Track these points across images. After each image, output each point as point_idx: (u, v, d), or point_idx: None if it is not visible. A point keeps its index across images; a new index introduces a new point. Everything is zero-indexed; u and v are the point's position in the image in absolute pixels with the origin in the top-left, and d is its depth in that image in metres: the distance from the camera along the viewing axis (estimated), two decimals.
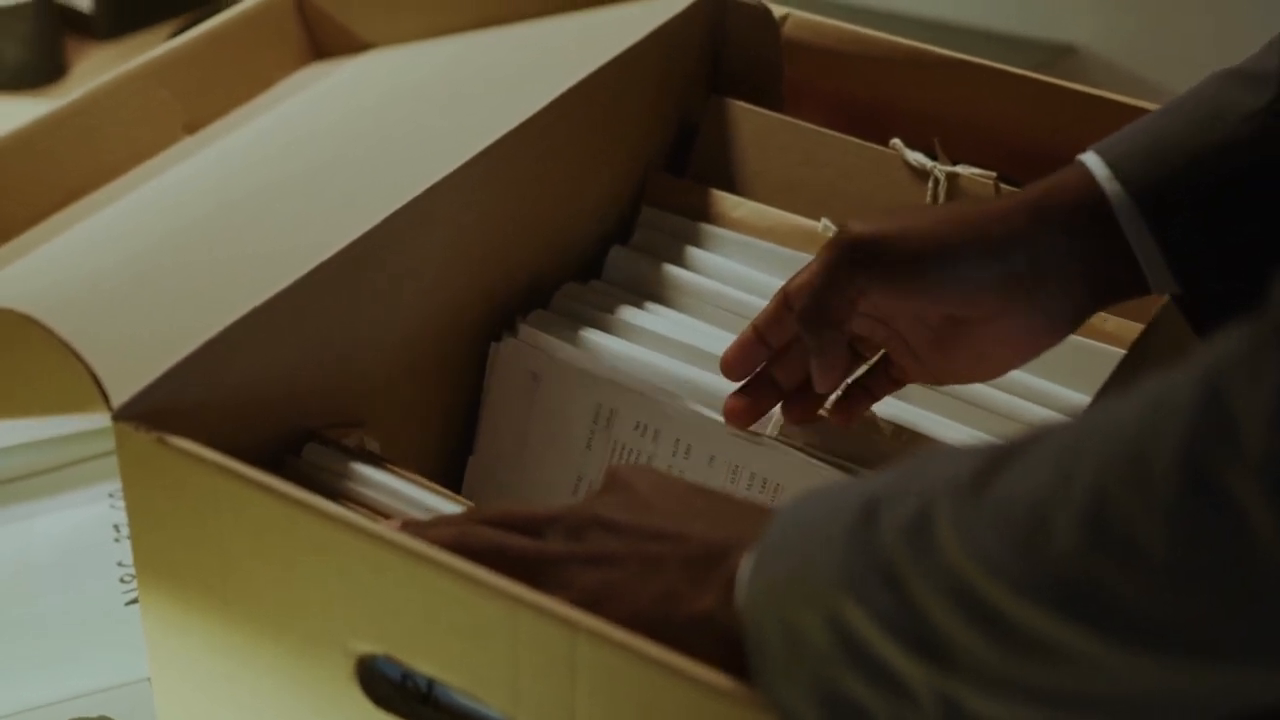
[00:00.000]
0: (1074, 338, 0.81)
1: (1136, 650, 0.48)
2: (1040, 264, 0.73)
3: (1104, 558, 0.48)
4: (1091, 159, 0.74)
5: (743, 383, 0.82)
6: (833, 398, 0.82)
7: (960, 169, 0.92)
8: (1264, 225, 0.72)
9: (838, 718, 0.55)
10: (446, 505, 0.72)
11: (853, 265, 0.75)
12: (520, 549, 0.63)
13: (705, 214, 0.95)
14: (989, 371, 0.79)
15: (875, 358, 0.82)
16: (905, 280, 0.75)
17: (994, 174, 0.90)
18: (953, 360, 0.78)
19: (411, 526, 0.67)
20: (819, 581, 0.55)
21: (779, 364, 0.81)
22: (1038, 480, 0.50)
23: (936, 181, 0.92)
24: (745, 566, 0.59)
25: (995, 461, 0.53)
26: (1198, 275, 0.72)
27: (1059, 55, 1.55)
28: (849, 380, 0.81)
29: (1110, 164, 0.73)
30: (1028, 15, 1.60)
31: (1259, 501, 0.44)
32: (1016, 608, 0.50)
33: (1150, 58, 1.51)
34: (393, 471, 0.73)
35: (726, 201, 0.95)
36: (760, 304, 0.82)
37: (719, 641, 0.58)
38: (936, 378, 0.80)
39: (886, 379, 0.81)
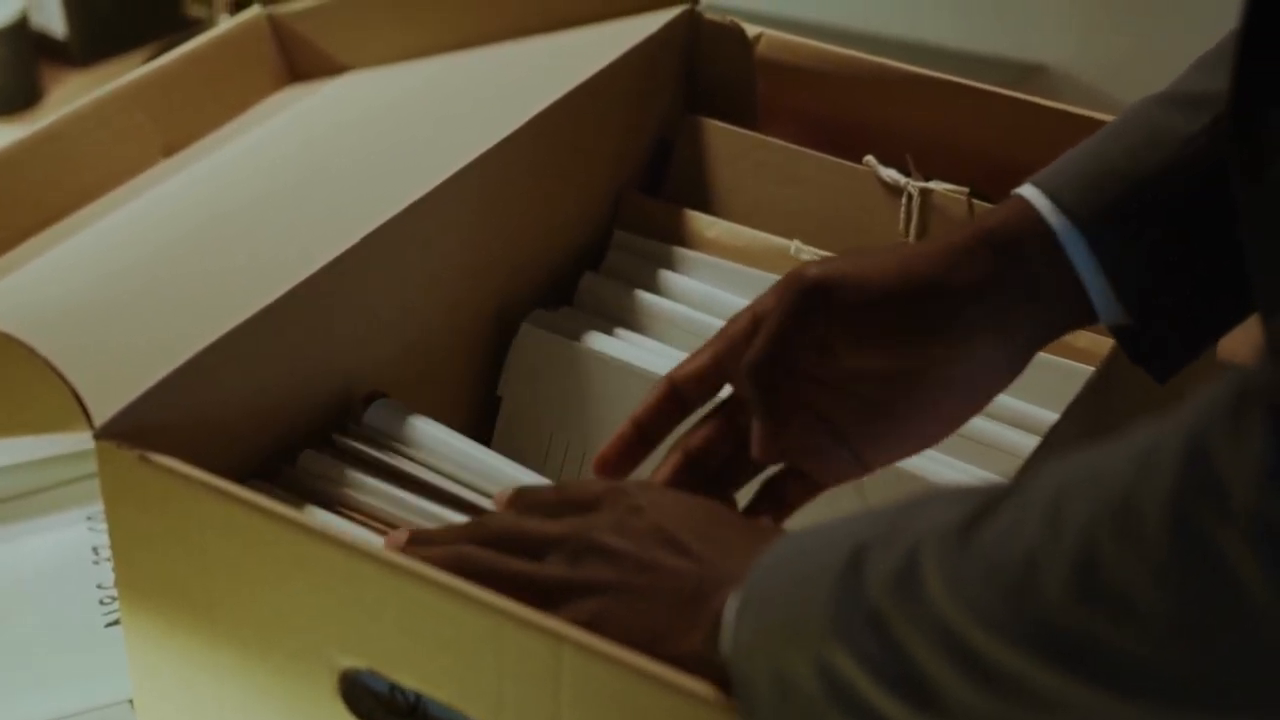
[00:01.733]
0: (1045, 355, 0.81)
1: (1127, 702, 0.49)
2: (999, 302, 0.71)
3: (1095, 610, 0.48)
4: (1030, 191, 0.72)
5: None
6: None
7: (933, 185, 0.92)
8: (1206, 247, 0.71)
9: None
10: (451, 515, 0.72)
11: (810, 311, 0.70)
12: (516, 574, 0.64)
13: (679, 235, 0.96)
14: (931, 434, 0.74)
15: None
16: (864, 324, 0.70)
17: (966, 189, 0.91)
18: (894, 429, 0.73)
19: (421, 537, 0.67)
20: (807, 629, 0.55)
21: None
22: (1027, 530, 0.51)
23: (910, 197, 0.92)
24: (730, 609, 0.59)
25: (982, 509, 0.53)
26: (1143, 301, 0.71)
27: (1029, 74, 1.56)
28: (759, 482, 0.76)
29: (1051, 195, 0.72)
30: (998, 36, 1.60)
31: (1247, 559, 0.45)
32: (1006, 656, 0.50)
33: (1120, 77, 1.53)
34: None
35: (700, 221, 0.96)
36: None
37: (710, 671, 0.59)
38: (866, 463, 0.74)
39: (802, 485, 0.75)
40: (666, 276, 0.94)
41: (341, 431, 0.78)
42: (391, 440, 0.78)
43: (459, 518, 0.73)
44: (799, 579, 0.57)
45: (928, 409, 0.72)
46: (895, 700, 0.53)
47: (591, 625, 0.61)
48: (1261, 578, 0.45)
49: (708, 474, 0.74)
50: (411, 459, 0.76)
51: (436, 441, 0.78)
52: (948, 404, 0.72)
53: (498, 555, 0.65)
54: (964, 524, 0.53)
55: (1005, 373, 0.73)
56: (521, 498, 0.69)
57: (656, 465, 0.74)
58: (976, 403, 0.73)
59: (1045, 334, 0.73)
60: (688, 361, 0.74)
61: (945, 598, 0.52)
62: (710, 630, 0.60)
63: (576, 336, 0.90)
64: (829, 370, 0.72)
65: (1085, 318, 0.73)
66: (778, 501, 0.74)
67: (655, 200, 0.98)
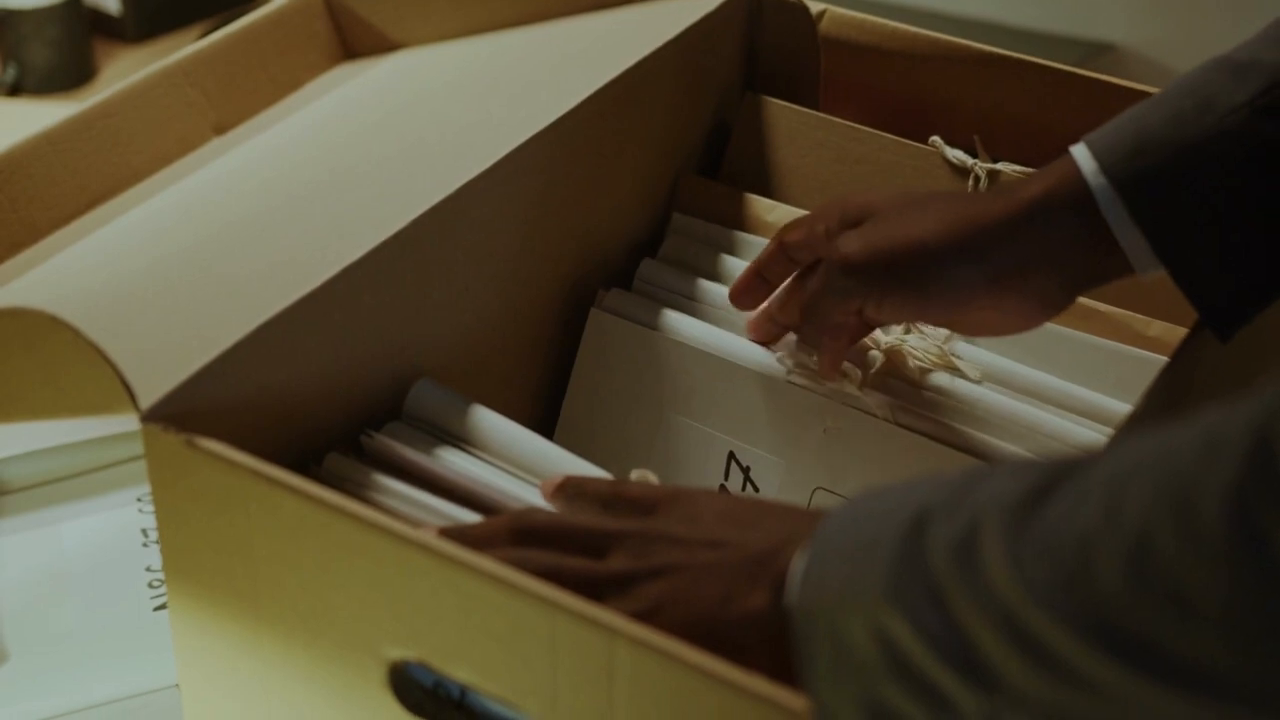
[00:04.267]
0: (1119, 346, 0.80)
1: (1182, 695, 0.48)
2: (1029, 260, 0.75)
3: (1150, 602, 0.48)
4: (1080, 151, 0.75)
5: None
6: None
7: (1001, 166, 0.90)
8: (1249, 216, 0.72)
9: None
10: (466, 515, 0.70)
11: (845, 290, 0.79)
12: (577, 571, 0.63)
13: (738, 218, 0.94)
14: (980, 331, 0.82)
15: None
16: (896, 295, 0.78)
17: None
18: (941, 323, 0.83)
19: (454, 533, 0.66)
20: (867, 591, 0.55)
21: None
22: (1086, 513, 0.50)
23: (977, 179, 0.90)
24: (797, 565, 0.59)
25: (1046, 487, 0.52)
26: (1186, 263, 0.73)
27: (1098, 53, 1.54)
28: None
29: (1097, 156, 0.74)
30: (1066, 13, 1.58)
31: None
32: (1061, 640, 0.50)
33: (1189, 55, 1.49)
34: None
35: (760, 205, 0.94)
36: None
37: (772, 640, 0.59)
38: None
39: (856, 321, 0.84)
40: (726, 261, 0.92)
41: (375, 429, 0.76)
42: (440, 428, 0.76)
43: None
44: (862, 541, 0.57)
45: (970, 327, 0.81)
46: (951, 674, 0.53)
47: (662, 603, 0.61)
48: None
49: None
50: (448, 456, 0.75)
51: (486, 431, 0.76)
52: (982, 331, 0.81)
53: (557, 556, 0.64)
54: (1026, 499, 0.52)
55: (1040, 314, 0.78)
56: (572, 486, 0.69)
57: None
58: (1012, 331, 0.80)
59: (1085, 283, 0.77)
60: (794, 228, 0.84)
61: (1004, 575, 0.51)
62: (776, 588, 0.60)
63: (652, 320, 0.89)
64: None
65: (1123, 271, 0.75)
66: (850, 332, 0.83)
67: (714, 182, 0.96)
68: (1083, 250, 0.74)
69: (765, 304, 0.87)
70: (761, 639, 0.60)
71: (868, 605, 0.55)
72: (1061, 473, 0.52)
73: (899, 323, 0.83)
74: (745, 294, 0.87)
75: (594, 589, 0.62)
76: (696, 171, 0.98)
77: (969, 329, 0.81)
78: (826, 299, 0.80)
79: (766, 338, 0.88)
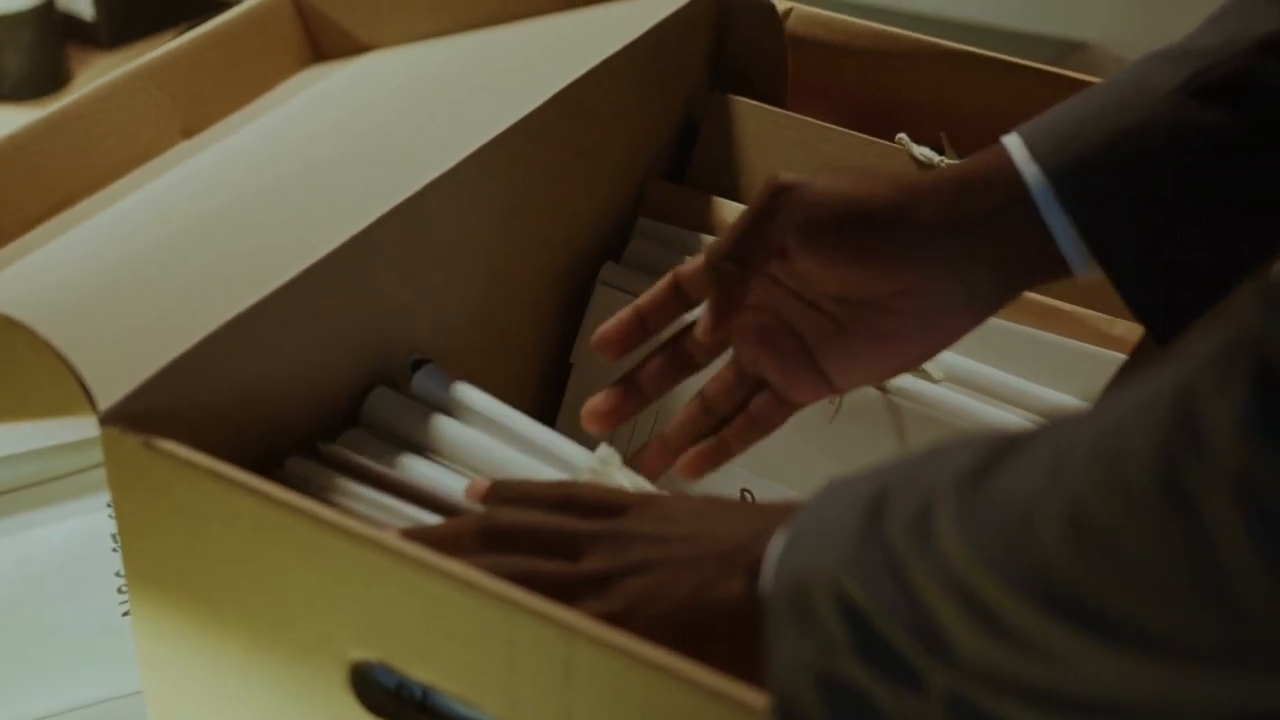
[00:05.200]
0: (1083, 345, 0.80)
1: (1118, 652, 0.48)
2: (963, 244, 0.72)
3: (1084, 560, 0.48)
4: (1012, 140, 0.73)
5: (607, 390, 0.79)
6: (688, 452, 0.80)
7: None
8: (1179, 205, 0.70)
9: (838, 704, 0.55)
10: (428, 518, 0.70)
11: (774, 211, 0.73)
12: (553, 574, 0.63)
13: (704, 221, 0.94)
14: (895, 363, 0.77)
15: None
16: (824, 239, 0.72)
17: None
18: (858, 351, 0.75)
19: (415, 533, 0.65)
20: (830, 568, 0.56)
21: (649, 373, 0.79)
22: (1030, 478, 0.51)
23: None
24: (773, 550, 0.59)
25: (995, 456, 0.53)
26: (1115, 257, 0.71)
27: (1070, 51, 1.54)
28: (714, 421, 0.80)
29: (1029, 144, 0.72)
30: (1039, 12, 1.58)
31: (1225, 513, 0.44)
32: (1009, 604, 0.50)
33: None
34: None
35: (726, 208, 0.94)
36: None
37: (750, 628, 0.59)
38: (833, 382, 0.77)
39: (776, 402, 0.78)
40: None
41: (339, 430, 0.76)
42: (398, 435, 0.76)
43: None
44: (828, 521, 0.57)
45: (891, 338, 0.74)
46: (912, 646, 0.53)
47: (642, 598, 0.62)
48: (1238, 533, 0.44)
49: (720, 419, 0.79)
50: (407, 462, 0.75)
51: (444, 436, 0.76)
52: (911, 335, 0.74)
53: (531, 559, 0.64)
54: (976, 470, 0.53)
55: (970, 313, 0.74)
56: (506, 491, 0.69)
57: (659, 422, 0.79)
58: (940, 339, 0.75)
59: (1017, 280, 0.74)
60: (691, 261, 0.77)
61: (956, 544, 0.52)
62: (751, 575, 0.60)
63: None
64: (791, 278, 0.75)
65: (1062, 267, 0.72)
66: (759, 423, 0.78)
67: (680, 186, 0.96)
68: (1015, 240, 0.72)
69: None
70: (740, 627, 0.60)
71: (831, 581, 0.55)
72: (1010, 443, 0.53)
73: (820, 281, 0.74)
74: (615, 341, 0.78)
75: (569, 591, 0.62)
76: (665, 171, 0.98)
77: (896, 326, 0.74)
78: (753, 226, 0.73)
79: (621, 349, 0.79)
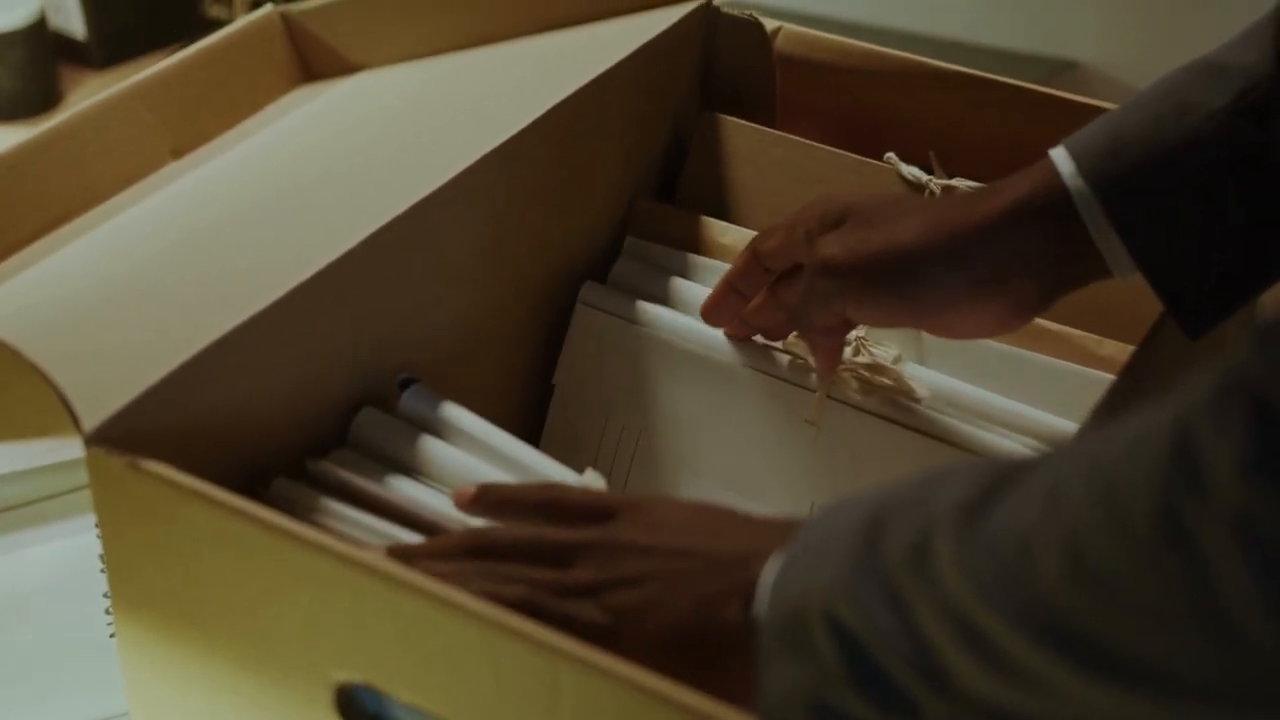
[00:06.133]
0: (1071, 365, 0.81)
1: (1116, 688, 0.48)
2: (1009, 265, 0.75)
3: (1082, 596, 0.48)
4: (1059, 154, 0.75)
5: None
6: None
7: (956, 182, 0.90)
8: (1226, 221, 0.72)
9: None
10: (414, 539, 0.70)
11: (827, 293, 0.78)
12: (544, 583, 0.63)
13: (692, 241, 0.94)
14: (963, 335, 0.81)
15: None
16: (876, 298, 0.77)
17: (947, 195, 0.89)
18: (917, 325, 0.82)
19: (399, 552, 0.65)
20: (827, 595, 0.55)
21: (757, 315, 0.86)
22: (1028, 511, 0.51)
23: (932, 195, 0.90)
24: (767, 575, 0.59)
25: (994, 486, 0.53)
26: (1161, 268, 0.73)
27: (1061, 70, 1.54)
28: None
29: (1075, 158, 0.74)
30: (1029, 32, 1.58)
31: (1225, 550, 0.44)
32: (1007, 639, 0.50)
33: (1152, 73, 1.50)
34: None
35: (714, 227, 0.94)
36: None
37: (743, 650, 0.59)
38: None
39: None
40: (675, 284, 0.92)
41: (324, 454, 0.76)
42: (385, 455, 0.76)
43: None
44: (822, 547, 0.57)
45: (944, 331, 0.80)
46: (907, 673, 0.53)
47: (640, 611, 0.62)
48: (1237, 570, 0.44)
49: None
50: (394, 482, 0.75)
51: (431, 457, 0.76)
52: (960, 334, 0.80)
53: (520, 569, 0.64)
54: (974, 501, 0.53)
55: (1019, 318, 0.78)
56: (494, 495, 0.69)
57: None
58: (989, 335, 0.80)
59: (1064, 287, 0.76)
60: (769, 235, 0.83)
61: (953, 575, 0.52)
62: (746, 600, 0.60)
63: (634, 317, 0.90)
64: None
65: (1102, 274, 0.75)
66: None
67: (669, 206, 0.96)
68: (1061, 254, 0.74)
69: (738, 317, 0.87)
70: (737, 651, 0.60)
71: (826, 608, 0.55)
72: (1009, 473, 0.53)
73: (880, 325, 0.82)
74: (718, 308, 0.86)
75: (559, 599, 0.62)
76: (653, 189, 0.98)
77: (948, 332, 0.80)
78: (811, 302, 0.80)
79: (725, 318, 0.87)
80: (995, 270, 0.75)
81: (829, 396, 0.84)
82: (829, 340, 0.82)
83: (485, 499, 0.69)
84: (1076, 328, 0.84)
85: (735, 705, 0.56)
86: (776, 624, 0.57)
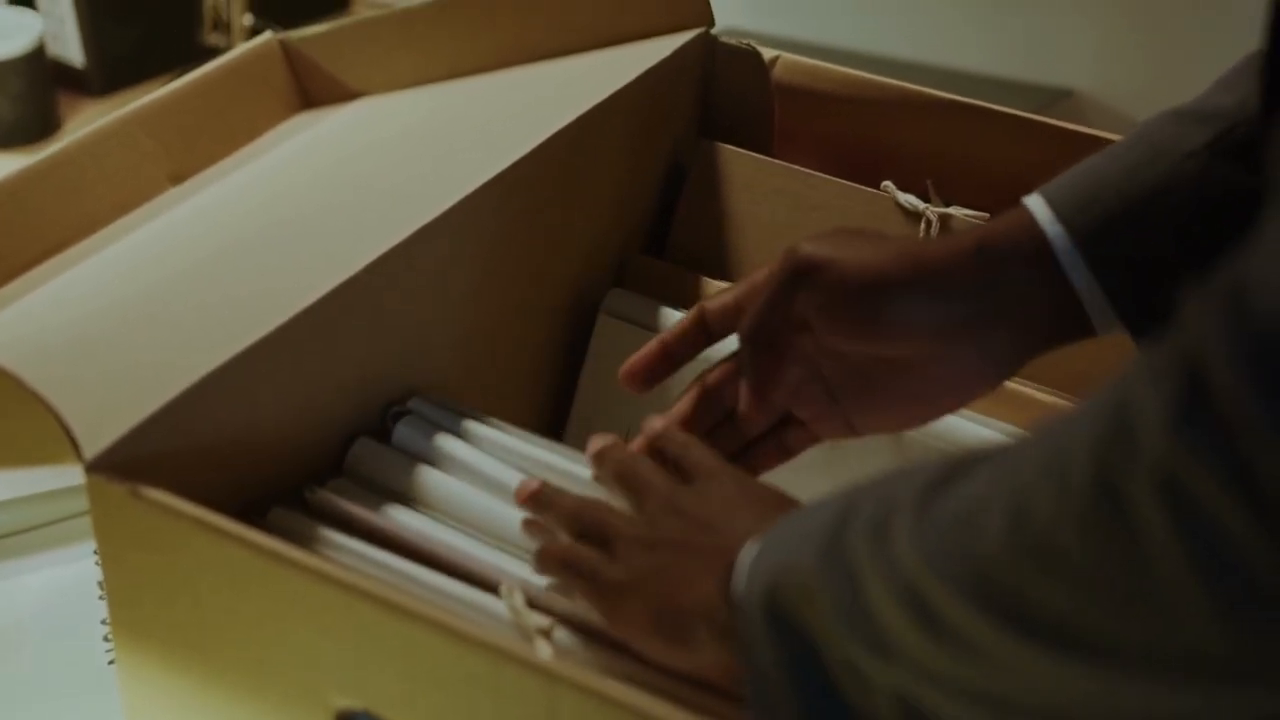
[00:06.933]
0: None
1: (1059, 657, 0.49)
2: (983, 308, 0.72)
3: (1024, 561, 0.50)
4: (1035, 201, 0.73)
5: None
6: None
7: (953, 210, 0.90)
8: (1204, 261, 0.71)
9: (812, 697, 0.58)
10: (410, 569, 0.70)
11: (796, 287, 0.74)
12: (609, 523, 0.68)
13: (685, 299, 0.93)
14: (917, 417, 0.77)
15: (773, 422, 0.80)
16: (845, 311, 0.73)
17: (987, 215, 0.89)
18: (880, 404, 0.76)
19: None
20: (796, 572, 0.58)
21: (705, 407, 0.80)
22: (979, 485, 0.52)
23: (929, 223, 0.91)
24: (745, 556, 0.62)
25: (952, 468, 0.55)
26: (1140, 317, 0.71)
27: (1056, 99, 1.55)
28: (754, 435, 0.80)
29: (1052, 205, 0.72)
30: (1024, 60, 1.59)
31: (1154, 506, 0.45)
32: (953, 609, 0.52)
33: (1147, 101, 1.51)
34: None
35: (709, 286, 0.94)
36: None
37: (721, 634, 0.62)
38: (855, 427, 0.77)
39: (803, 433, 0.79)
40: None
41: (322, 483, 0.76)
42: (380, 485, 0.77)
43: (439, 581, 0.70)
44: (800, 532, 0.60)
45: (914, 396, 0.75)
46: (862, 649, 0.56)
47: (644, 576, 0.65)
48: (1165, 529, 0.45)
49: (723, 411, 0.79)
50: (391, 512, 0.75)
51: (426, 487, 0.76)
52: (933, 395, 0.75)
53: (605, 509, 0.69)
54: (936, 481, 0.55)
55: (991, 375, 0.74)
56: (547, 495, 0.71)
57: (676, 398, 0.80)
58: (962, 398, 0.75)
59: (1038, 342, 0.73)
60: (717, 297, 0.79)
61: (907, 548, 0.54)
62: (724, 577, 0.63)
63: (658, 326, 0.90)
64: (816, 342, 0.75)
65: (1082, 329, 0.72)
66: (782, 447, 0.79)
67: (661, 262, 0.97)
68: (1035, 302, 0.72)
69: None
70: (712, 632, 0.62)
71: (797, 587, 0.58)
72: (970, 458, 0.55)
73: (840, 345, 0.74)
74: (643, 374, 0.79)
75: (608, 542, 0.67)
76: (651, 218, 0.98)
77: (910, 380, 0.74)
78: (775, 303, 0.74)
79: (647, 381, 0.80)
80: (966, 310, 0.72)
81: None
82: (769, 356, 0.76)
83: (540, 499, 0.71)
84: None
85: (704, 682, 0.62)
86: (754, 601, 0.60)
